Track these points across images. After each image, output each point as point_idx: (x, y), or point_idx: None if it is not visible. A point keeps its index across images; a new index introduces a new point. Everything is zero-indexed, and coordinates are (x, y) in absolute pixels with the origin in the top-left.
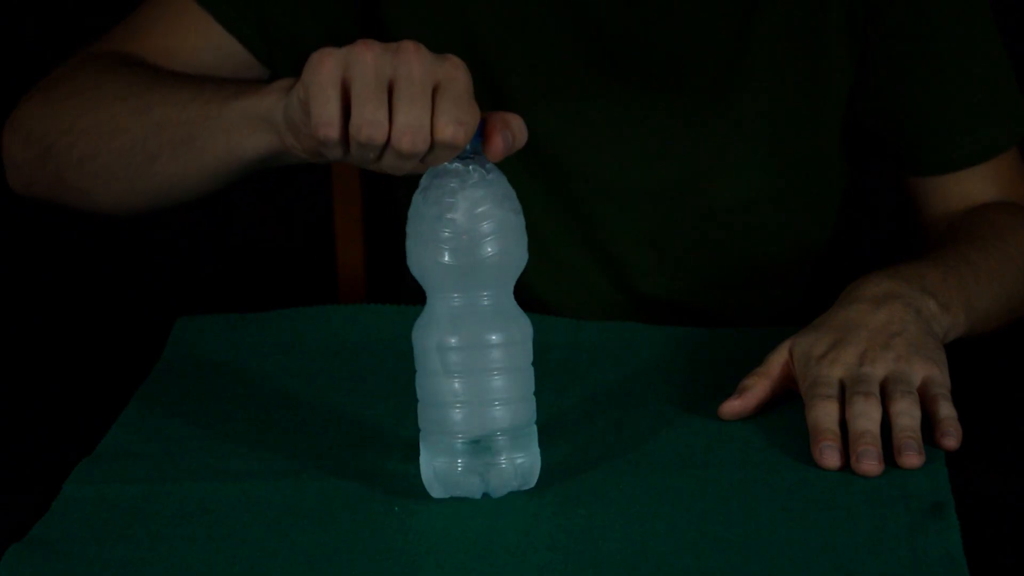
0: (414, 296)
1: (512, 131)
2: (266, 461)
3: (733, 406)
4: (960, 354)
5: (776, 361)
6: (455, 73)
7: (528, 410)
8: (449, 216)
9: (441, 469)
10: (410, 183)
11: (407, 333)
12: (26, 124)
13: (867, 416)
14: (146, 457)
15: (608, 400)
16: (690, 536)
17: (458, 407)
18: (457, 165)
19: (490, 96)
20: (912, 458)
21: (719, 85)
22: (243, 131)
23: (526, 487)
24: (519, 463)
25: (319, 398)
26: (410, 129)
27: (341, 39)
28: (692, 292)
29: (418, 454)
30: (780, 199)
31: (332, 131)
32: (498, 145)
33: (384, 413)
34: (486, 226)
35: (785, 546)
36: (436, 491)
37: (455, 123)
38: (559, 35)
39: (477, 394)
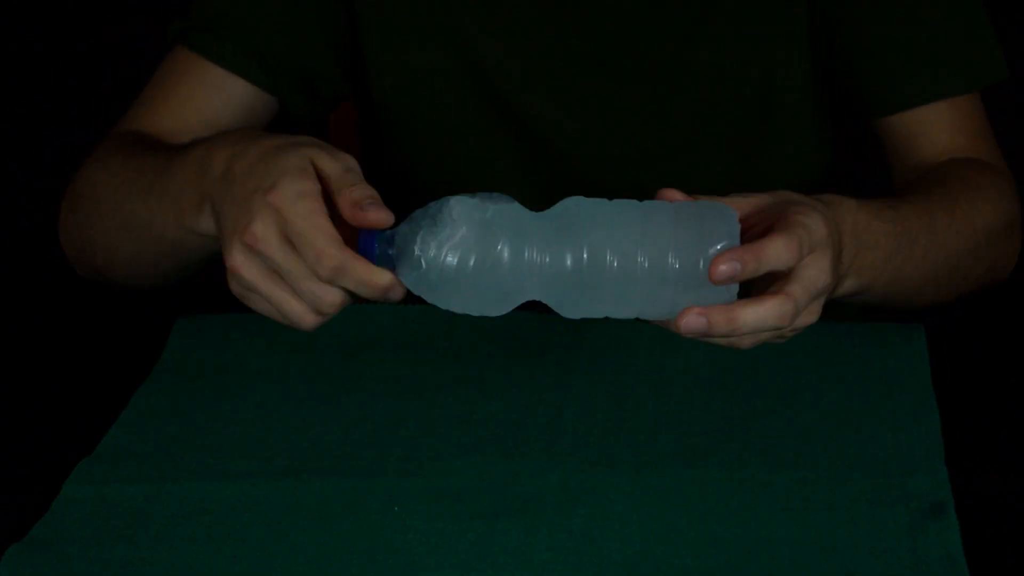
0: (414, 296)
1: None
2: (266, 461)
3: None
4: (960, 353)
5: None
6: (288, 209)
7: (662, 221)
8: (454, 277)
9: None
10: (412, 186)
11: (407, 333)
12: (63, 229)
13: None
14: (146, 457)
15: (608, 400)
16: (690, 536)
17: (645, 268)
18: (423, 262)
19: (470, 73)
20: (693, 322)
21: (686, 43)
22: (205, 247)
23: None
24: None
25: (319, 398)
26: (319, 298)
27: (339, 52)
28: None
29: (417, 455)
30: (759, 155)
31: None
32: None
33: (384, 413)
34: (470, 244)
35: (785, 546)
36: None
37: (323, 268)
38: (530, 8)
39: (639, 274)
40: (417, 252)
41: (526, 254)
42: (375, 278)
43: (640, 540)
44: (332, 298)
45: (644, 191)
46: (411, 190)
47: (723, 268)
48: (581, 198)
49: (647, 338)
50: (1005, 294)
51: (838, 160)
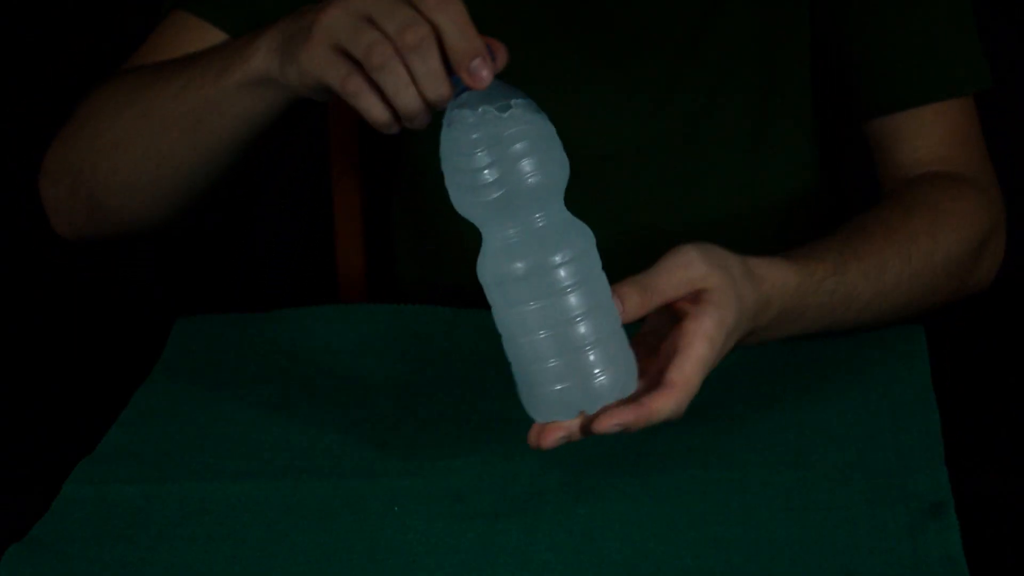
0: (413, 296)
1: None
2: (266, 461)
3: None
4: (960, 353)
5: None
6: None
7: (611, 316)
8: (479, 151)
9: (541, 397)
10: (415, 180)
11: (407, 333)
12: (53, 163)
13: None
14: (146, 457)
15: None
16: (690, 536)
17: (541, 333)
18: (474, 110)
19: None
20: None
21: (691, 45)
22: (248, 98)
23: (624, 395)
24: (613, 373)
25: (319, 398)
26: (406, 25)
27: None
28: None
29: (417, 455)
30: (758, 156)
31: (355, 85)
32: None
33: (384, 413)
34: (519, 148)
35: (785, 546)
36: (540, 416)
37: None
38: (536, 9)
39: (556, 316)
40: (473, 124)
41: (538, 220)
42: (474, 33)
43: (640, 540)
44: (418, 29)
45: (646, 189)
46: (415, 184)
47: (613, 424)
48: (592, 238)
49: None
50: (1005, 294)
51: (833, 166)
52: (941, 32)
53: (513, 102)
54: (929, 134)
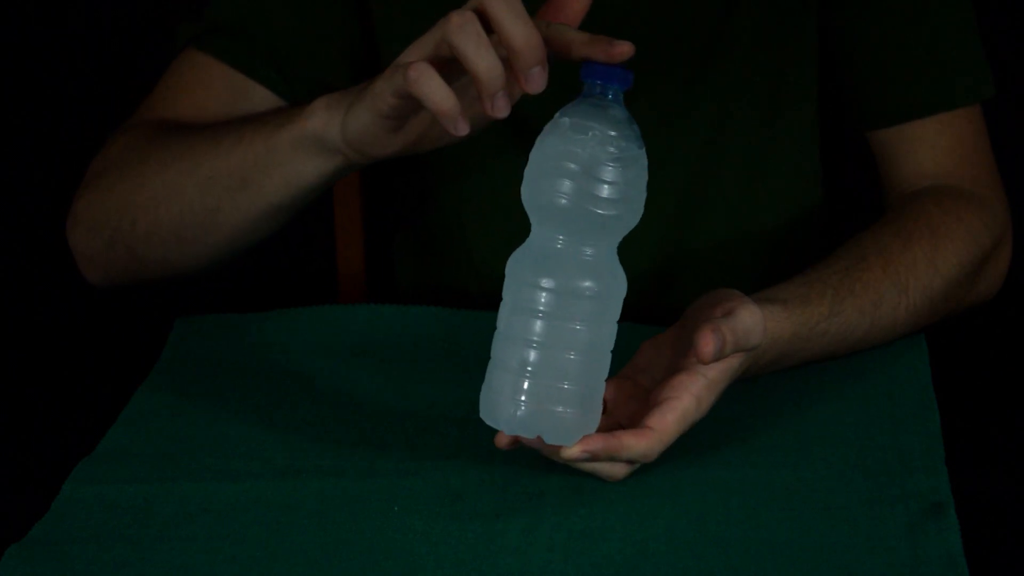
0: (412, 296)
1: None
2: (266, 461)
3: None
4: (961, 353)
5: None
6: None
7: (600, 368)
8: (569, 160)
9: (499, 405)
10: (425, 190)
11: (407, 333)
12: (87, 216)
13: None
14: (146, 457)
15: None
16: (690, 536)
17: (534, 347)
18: (585, 121)
19: None
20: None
21: (705, 60)
22: (298, 159)
23: (563, 442)
24: (573, 417)
25: (319, 398)
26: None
27: (354, 61)
28: (700, 259)
29: (417, 455)
30: (766, 168)
31: (447, 104)
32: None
33: (383, 412)
34: (606, 176)
35: (785, 546)
36: (487, 417)
37: None
38: None
39: (553, 340)
40: (580, 134)
41: (586, 249)
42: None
43: (640, 540)
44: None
45: (657, 206)
46: (425, 195)
47: (579, 451)
48: (625, 290)
49: (646, 338)
50: (1005, 296)
51: (835, 177)
52: (943, 44)
53: (625, 132)
54: (933, 146)
